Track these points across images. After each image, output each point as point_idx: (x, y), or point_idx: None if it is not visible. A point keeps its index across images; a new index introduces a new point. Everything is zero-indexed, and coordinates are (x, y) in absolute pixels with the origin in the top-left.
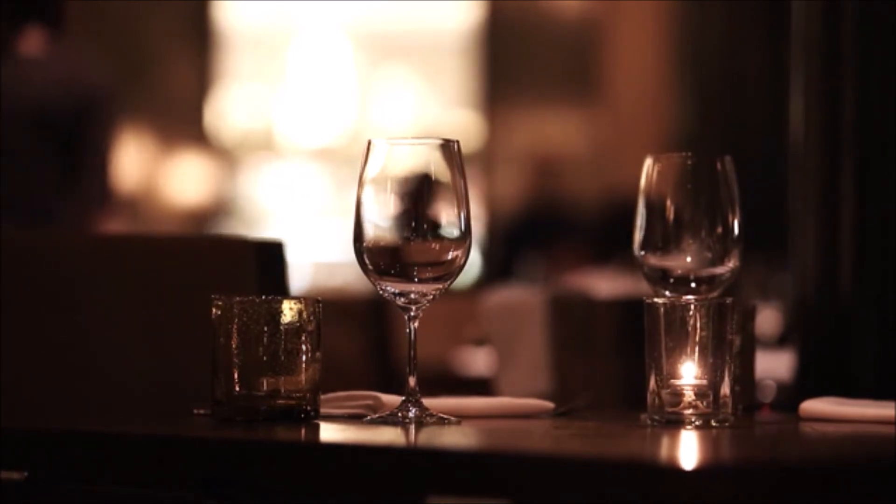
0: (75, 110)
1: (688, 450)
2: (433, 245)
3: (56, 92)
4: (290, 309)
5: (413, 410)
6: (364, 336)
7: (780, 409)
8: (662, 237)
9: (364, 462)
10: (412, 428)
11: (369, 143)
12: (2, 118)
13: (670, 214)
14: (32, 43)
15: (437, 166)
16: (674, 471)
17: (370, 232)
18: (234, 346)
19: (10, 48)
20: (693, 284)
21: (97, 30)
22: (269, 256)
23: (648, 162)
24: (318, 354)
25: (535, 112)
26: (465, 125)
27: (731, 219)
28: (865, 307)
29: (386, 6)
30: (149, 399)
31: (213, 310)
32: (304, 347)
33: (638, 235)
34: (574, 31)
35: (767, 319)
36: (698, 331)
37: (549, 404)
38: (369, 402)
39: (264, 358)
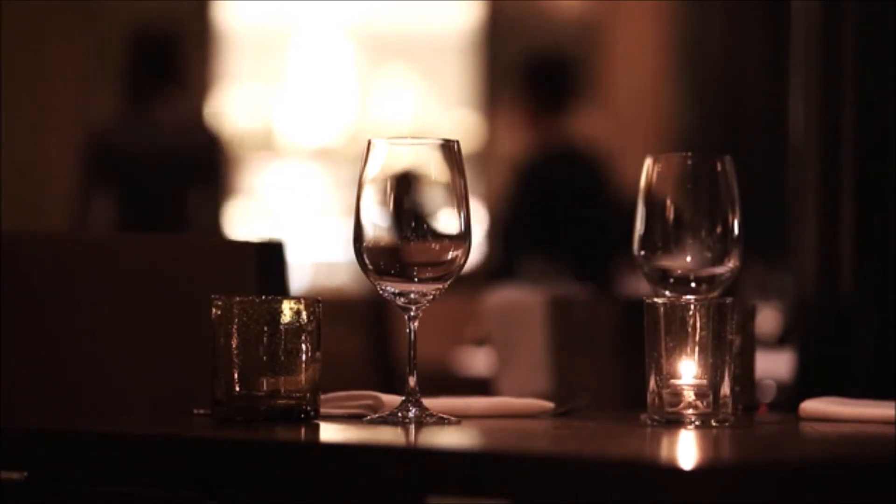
0: (202, 148)
1: (688, 450)
2: (433, 245)
3: (185, 136)
4: (290, 309)
5: (413, 410)
6: (364, 336)
7: (780, 409)
8: (662, 237)
9: (364, 462)
10: (412, 428)
11: (369, 143)
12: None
13: (670, 214)
14: (168, 104)
15: (437, 166)
16: (674, 471)
17: (370, 232)
18: (234, 346)
19: (150, 110)
20: (693, 284)
21: (97, 30)
22: (269, 256)
23: (648, 162)
24: (318, 354)
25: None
26: (465, 125)
27: (731, 219)
28: (865, 307)
29: (386, 6)
30: (149, 399)
31: (213, 310)
32: (304, 347)
33: (638, 235)
34: (574, 31)
35: (767, 319)
36: (698, 331)
37: (549, 404)
38: (369, 402)
39: (264, 358)
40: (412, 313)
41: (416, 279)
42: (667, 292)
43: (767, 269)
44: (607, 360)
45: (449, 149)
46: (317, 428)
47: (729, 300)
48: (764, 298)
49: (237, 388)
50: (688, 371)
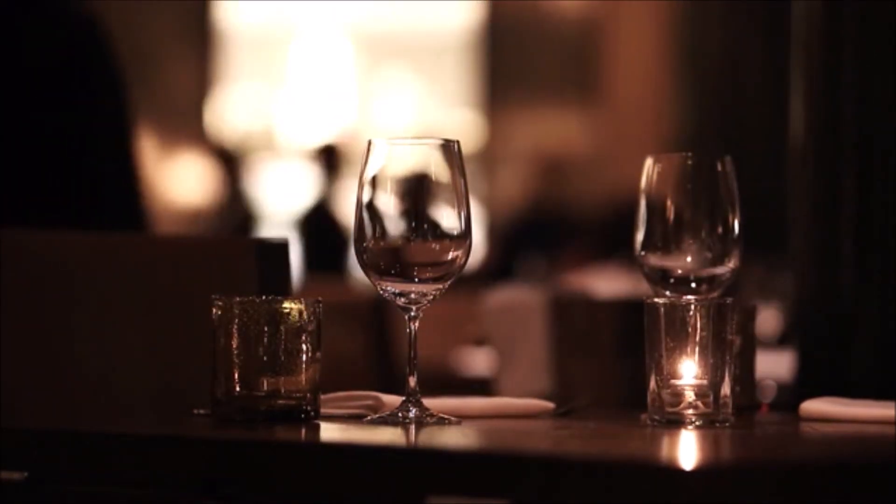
0: None
1: (688, 450)
2: (433, 245)
3: None
4: (291, 309)
5: (413, 410)
6: (364, 336)
7: (780, 409)
8: (662, 237)
9: (364, 462)
10: (412, 428)
11: (369, 143)
12: None
13: (670, 214)
14: None
15: (437, 166)
16: (674, 471)
17: (370, 232)
18: (234, 346)
19: None
20: (693, 284)
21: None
22: (271, 256)
23: (648, 162)
24: (318, 354)
25: (535, 112)
26: (465, 125)
27: (731, 219)
28: (865, 307)
29: (386, 6)
30: (149, 399)
31: (213, 310)
32: (304, 347)
33: (638, 235)
34: (574, 31)
35: (767, 319)
36: (698, 331)
37: (549, 404)
38: (369, 402)
39: (264, 358)
40: (412, 313)
41: (416, 279)
42: (667, 292)
43: (767, 269)
44: (607, 360)
45: (449, 149)
46: (317, 428)
47: (729, 300)
48: (764, 298)
49: (237, 388)
50: (688, 371)
